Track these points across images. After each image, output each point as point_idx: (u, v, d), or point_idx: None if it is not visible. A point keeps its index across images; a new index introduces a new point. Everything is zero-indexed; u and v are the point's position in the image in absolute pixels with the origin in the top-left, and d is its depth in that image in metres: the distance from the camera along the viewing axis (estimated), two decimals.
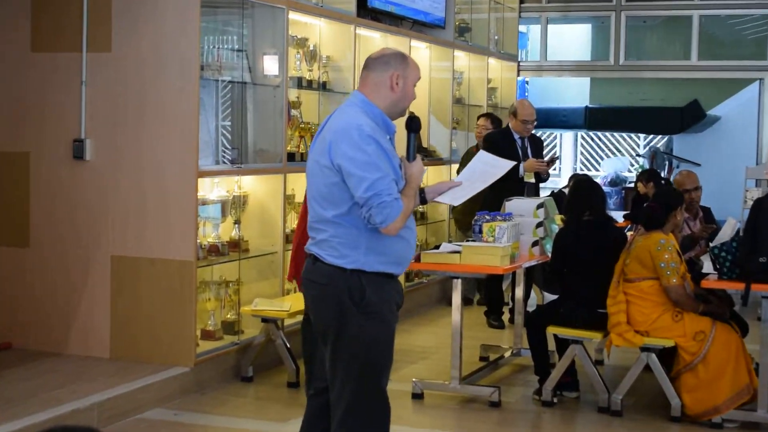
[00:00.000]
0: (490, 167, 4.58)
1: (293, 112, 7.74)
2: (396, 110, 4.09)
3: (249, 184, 7.25)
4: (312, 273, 4.05)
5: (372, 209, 3.83)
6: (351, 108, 4.03)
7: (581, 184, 6.86)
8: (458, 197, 4.35)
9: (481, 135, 9.20)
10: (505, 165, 4.68)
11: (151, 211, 6.44)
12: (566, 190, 8.46)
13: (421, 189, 4.19)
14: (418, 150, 4.04)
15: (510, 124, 8.66)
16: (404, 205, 3.91)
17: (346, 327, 3.97)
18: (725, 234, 6.08)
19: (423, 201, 4.27)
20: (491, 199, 7.48)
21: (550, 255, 6.66)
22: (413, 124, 4.12)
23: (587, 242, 6.38)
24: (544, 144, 10.49)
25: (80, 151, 6.56)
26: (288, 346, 6.66)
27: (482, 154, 4.75)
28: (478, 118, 9.65)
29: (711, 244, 6.24)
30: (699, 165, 14.53)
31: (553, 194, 8.68)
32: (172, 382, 6.24)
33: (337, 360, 4.02)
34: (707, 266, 6.21)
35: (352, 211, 3.92)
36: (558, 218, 7.16)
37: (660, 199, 6.37)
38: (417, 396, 6.44)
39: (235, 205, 7.06)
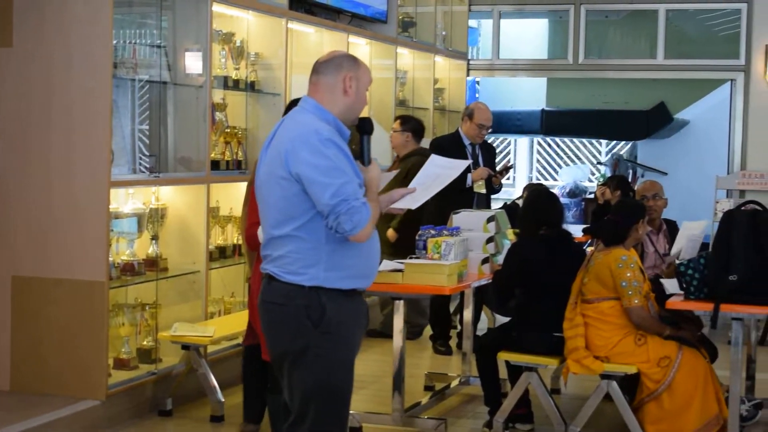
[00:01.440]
0: (444, 170, 4.73)
1: (218, 115, 7.74)
2: (350, 115, 4.22)
3: (168, 195, 7.24)
4: (268, 294, 4.15)
5: (340, 216, 3.91)
6: (304, 115, 4.15)
7: (537, 195, 6.92)
8: (416, 200, 4.44)
9: (396, 142, 9.01)
10: (459, 165, 4.85)
11: (58, 226, 6.41)
12: (520, 202, 8.57)
13: None
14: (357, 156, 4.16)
15: (461, 129, 8.68)
16: (372, 209, 4.00)
17: (304, 349, 4.05)
18: (688, 248, 6.13)
19: None
20: (436, 212, 7.53)
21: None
22: (366, 126, 4.26)
23: (543, 259, 6.41)
24: (497, 151, 10.58)
25: None
26: (212, 375, 6.66)
27: (435, 158, 4.89)
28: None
29: (677, 261, 6.33)
30: (665, 174, 14.78)
31: (505, 206, 8.77)
32: (80, 418, 6.20)
33: (295, 386, 4.11)
34: (673, 285, 6.27)
35: (311, 222, 4.02)
36: (510, 233, 7.19)
37: (621, 211, 6.46)
38: (355, 430, 6.44)
39: (152, 219, 7.04)
